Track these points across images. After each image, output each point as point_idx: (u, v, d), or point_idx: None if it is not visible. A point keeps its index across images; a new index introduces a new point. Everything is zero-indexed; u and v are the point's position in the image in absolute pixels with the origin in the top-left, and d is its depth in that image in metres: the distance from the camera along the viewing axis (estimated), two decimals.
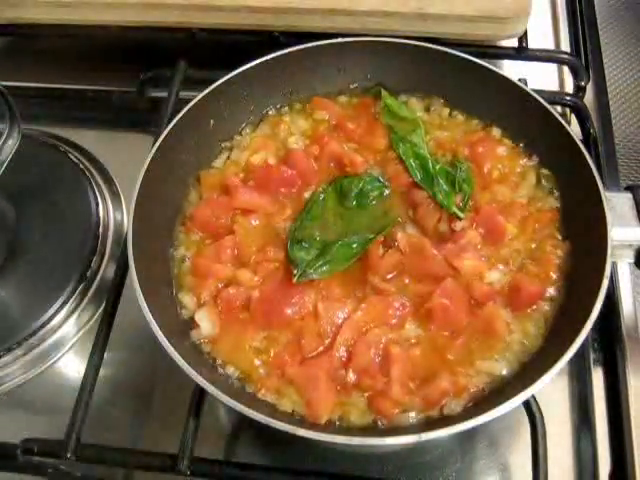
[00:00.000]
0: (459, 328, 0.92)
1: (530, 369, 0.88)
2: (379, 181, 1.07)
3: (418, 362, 0.90)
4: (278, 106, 1.18)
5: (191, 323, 0.95)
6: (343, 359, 0.90)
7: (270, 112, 1.18)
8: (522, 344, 0.92)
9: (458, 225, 1.00)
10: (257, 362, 0.91)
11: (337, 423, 0.87)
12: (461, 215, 1.01)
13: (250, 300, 0.95)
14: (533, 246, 1.00)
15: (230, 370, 0.92)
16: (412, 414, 0.87)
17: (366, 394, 0.88)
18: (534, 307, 0.94)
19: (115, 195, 1.26)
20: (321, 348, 0.92)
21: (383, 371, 0.89)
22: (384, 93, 1.15)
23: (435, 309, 0.92)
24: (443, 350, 0.91)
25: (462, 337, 0.92)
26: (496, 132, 1.12)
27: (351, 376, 0.89)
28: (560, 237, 1.00)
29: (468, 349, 0.91)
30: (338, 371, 0.89)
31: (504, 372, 0.90)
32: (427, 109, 1.16)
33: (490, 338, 0.91)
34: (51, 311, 1.09)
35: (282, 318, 0.94)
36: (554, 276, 0.96)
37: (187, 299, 0.98)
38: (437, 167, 1.06)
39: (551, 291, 0.95)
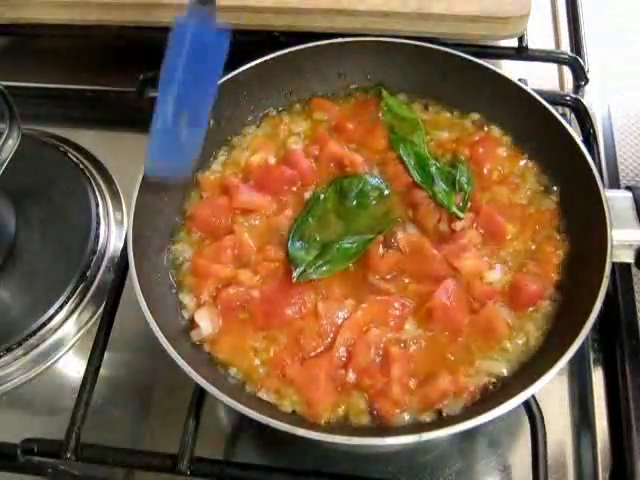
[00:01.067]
0: (459, 328, 0.92)
1: (530, 369, 0.88)
2: (379, 181, 1.07)
3: (418, 362, 0.90)
4: (278, 106, 1.19)
5: (191, 323, 0.95)
6: (343, 359, 0.90)
7: (270, 112, 1.18)
8: (522, 344, 0.92)
9: (458, 225, 1.00)
10: (257, 362, 0.92)
11: (337, 423, 0.87)
12: (461, 215, 1.01)
13: (250, 300, 0.95)
14: (533, 246, 1.00)
15: (230, 370, 0.92)
16: (412, 414, 0.87)
17: (366, 394, 0.88)
18: (534, 307, 0.94)
19: (115, 195, 1.26)
20: (321, 348, 0.92)
21: (383, 371, 0.89)
22: (385, 93, 1.15)
23: (435, 309, 0.92)
24: (443, 350, 0.91)
25: (462, 337, 0.92)
26: (496, 132, 1.12)
27: (351, 376, 0.89)
28: (560, 237, 1.00)
29: (468, 349, 0.91)
30: (338, 371, 0.89)
31: (504, 372, 0.90)
32: (427, 109, 1.16)
33: (490, 338, 0.92)
34: (51, 311, 1.09)
35: (282, 318, 0.94)
36: (554, 276, 0.97)
37: (187, 299, 0.98)
38: (437, 167, 1.06)
39: (551, 291, 0.96)
